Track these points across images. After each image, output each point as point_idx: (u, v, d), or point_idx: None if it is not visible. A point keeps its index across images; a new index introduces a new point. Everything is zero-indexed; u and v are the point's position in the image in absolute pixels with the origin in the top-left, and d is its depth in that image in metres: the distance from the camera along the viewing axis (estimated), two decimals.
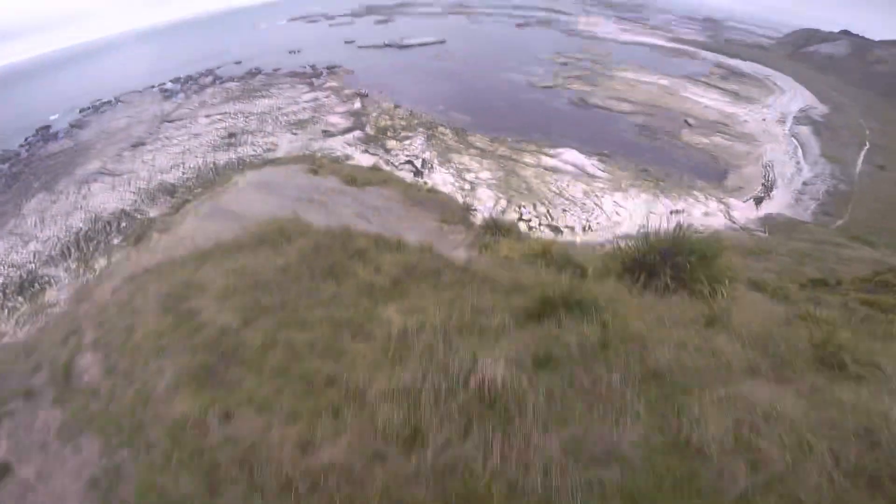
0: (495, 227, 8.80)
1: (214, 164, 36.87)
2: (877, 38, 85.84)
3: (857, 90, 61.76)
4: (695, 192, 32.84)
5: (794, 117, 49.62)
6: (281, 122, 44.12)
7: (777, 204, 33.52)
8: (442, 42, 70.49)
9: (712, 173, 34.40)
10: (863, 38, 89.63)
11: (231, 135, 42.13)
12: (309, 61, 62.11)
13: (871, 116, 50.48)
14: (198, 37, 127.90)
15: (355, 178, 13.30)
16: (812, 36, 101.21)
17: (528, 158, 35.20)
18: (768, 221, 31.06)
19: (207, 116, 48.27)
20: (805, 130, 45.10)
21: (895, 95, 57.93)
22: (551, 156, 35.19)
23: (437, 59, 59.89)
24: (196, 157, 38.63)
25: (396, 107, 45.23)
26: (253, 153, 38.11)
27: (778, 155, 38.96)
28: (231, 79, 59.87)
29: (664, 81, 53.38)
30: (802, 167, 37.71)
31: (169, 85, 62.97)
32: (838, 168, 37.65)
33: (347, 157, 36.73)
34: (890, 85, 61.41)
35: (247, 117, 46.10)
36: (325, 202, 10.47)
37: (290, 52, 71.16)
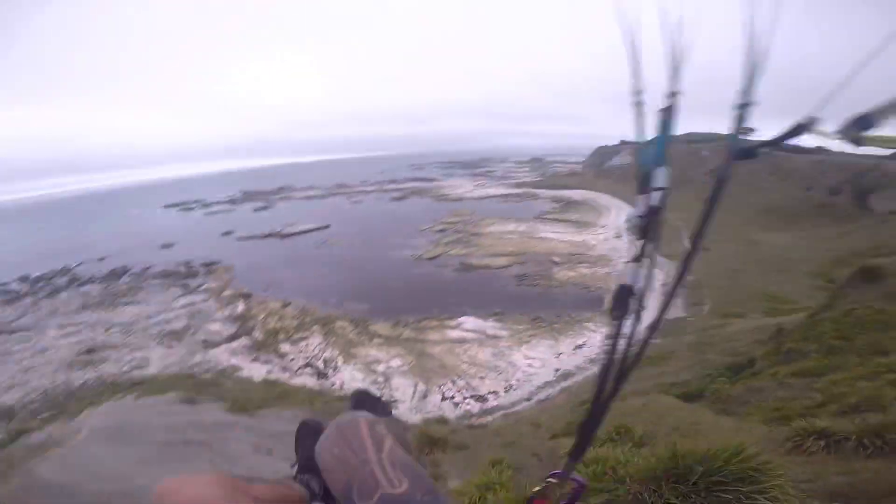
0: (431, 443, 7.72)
1: (67, 385, 30.26)
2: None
3: None
4: (586, 324, 36.47)
5: (625, 230, 62.20)
6: (151, 334, 39.15)
7: (653, 309, 38.89)
8: (326, 227, 74.42)
9: (592, 301, 39.18)
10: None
11: (90, 350, 35.75)
12: (183, 257, 59.17)
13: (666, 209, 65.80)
14: (57, 224, 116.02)
15: (246, 403, 11.26)
16: (605, 152, 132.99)
17: (433, 336, 36.13)
18: (654, 328, 35.37)
19: (60, 327, 41.09)
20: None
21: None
22: (453, 327, 36.81)
23: (323, 246, 62.39)
24: (43, 377, 31.46)
25: (286, 305, 43.57)
26: (117, 372, 32.25)
27: (631, 268, 47.07)
28: (91, 280, 53.70)
29: (522, 227, 63.64)
30: (654, 273, 45.71)
31: (13, 286, 53.78)
32: (678, 261, 46.55)
33: (235, 370, 33.27)
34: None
35: (109, 329, 40.25)
36: (208, 442, 8.36)
37: (162, 247, 68.07)
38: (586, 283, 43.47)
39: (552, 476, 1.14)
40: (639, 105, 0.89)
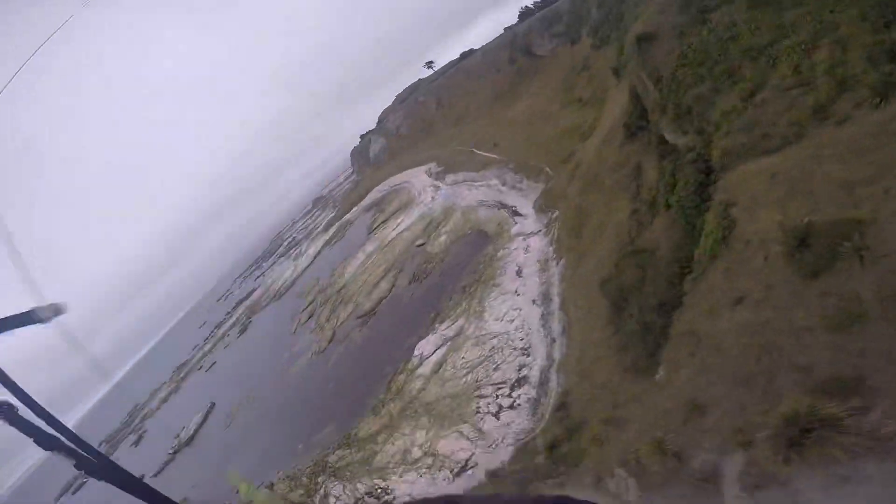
0: None
1: None
2: None
3: None
4: None
5: (434, 176, 68.03)
6: None
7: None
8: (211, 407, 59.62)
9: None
10: None
11: None
12: None
13: None
14: None
15: None
16: (364, 146, 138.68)
17: None
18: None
19: None
20: None
21: None
22: None
23: (231, 425, 49.54)
24: None
25: None
26: None
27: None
28: None
29: (370, 247, 63.49)
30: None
31: None
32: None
33: None
34: None
35: None
36: None
37: None
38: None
39: None
40: None
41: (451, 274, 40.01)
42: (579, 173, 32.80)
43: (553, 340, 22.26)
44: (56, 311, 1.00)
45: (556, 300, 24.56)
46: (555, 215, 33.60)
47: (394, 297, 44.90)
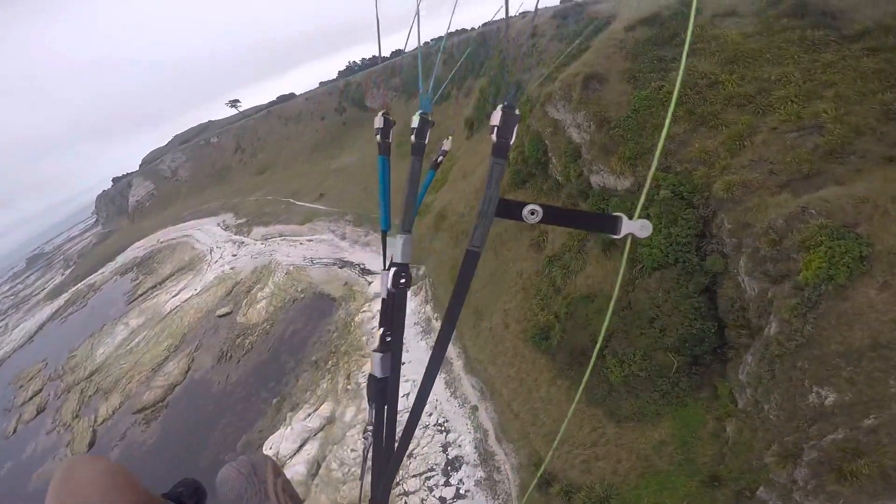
0: None
1: None
2: None
3: None
4: None
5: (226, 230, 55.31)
6: None
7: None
8: None
9: None
10: None
11: None
12: None
13: None
14: None
15: None
16: (116, 193, 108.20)
17: None
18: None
19: None
20: None
21: None
22: None
23: None
24: None
25: None
26: None
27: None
28: None
29: (135, 321, 44.06)
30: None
31: None
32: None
33: None
34: None
35: None
36: None
37: None
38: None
39: None
40: None
41: (287, 348, 30.47)
42: (446, 225, 31.17)
43: (474, 407, 17.84)
44: None
45: (460, 362, 20.48)
46: (421, 271, 30.38)
47: (195, 383, 30.91)
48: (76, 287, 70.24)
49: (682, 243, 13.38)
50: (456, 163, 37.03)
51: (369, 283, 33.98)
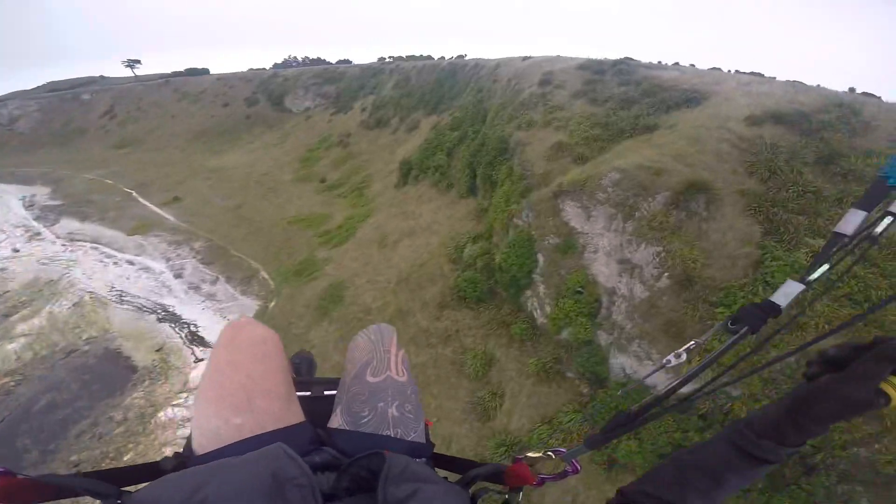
0: None
1: None
2: None
3: None
4: None
5: None
6: None
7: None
8: None
9: None
10: None
11: None
12: None
13: None
14: None
15: None
16: None
17: None
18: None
19: None
20: None
21: None
22: None
23: None
24: None
25: None
26: None
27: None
28: None
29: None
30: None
31: None
32: None
33: None
34: None
35: None
36: None
37: None
38: None
39: (553, 451, 1.13)
40: None
41: (32, 430, 14.54)
42: (338, 313, 18.49)
43: None
44: None
45: None
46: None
47: None
48: None
49: None
50: (372, 215, 25.21)
51: (195, 363, 19.40)
